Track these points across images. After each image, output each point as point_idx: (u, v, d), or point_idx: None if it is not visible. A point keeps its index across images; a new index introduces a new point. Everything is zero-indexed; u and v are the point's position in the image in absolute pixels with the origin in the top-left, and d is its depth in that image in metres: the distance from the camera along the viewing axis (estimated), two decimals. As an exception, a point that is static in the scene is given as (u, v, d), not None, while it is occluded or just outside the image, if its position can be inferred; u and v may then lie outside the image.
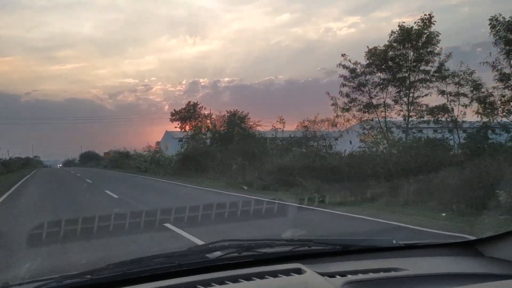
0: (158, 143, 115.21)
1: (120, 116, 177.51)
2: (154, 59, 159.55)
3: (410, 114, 18.35)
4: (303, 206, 11.29)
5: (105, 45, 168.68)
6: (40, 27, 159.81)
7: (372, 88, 18.39)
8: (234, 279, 1.85)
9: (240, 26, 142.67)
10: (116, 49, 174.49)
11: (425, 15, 18.18)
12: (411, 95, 18.32)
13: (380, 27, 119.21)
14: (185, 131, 57.96)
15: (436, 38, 17.91)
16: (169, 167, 27.57)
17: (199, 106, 58.25)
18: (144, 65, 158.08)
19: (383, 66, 17.36)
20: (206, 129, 42.31)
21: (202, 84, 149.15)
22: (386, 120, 18.91)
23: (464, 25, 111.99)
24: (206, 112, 57.85)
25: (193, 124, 57.76)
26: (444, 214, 9.27)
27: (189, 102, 58.74)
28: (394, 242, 2.38)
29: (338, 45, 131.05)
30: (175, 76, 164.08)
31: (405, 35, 17.07)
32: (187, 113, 57.93)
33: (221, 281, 1.83)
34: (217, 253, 2.11)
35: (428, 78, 18.36)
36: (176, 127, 59.16)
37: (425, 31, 17.86)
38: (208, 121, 57.84)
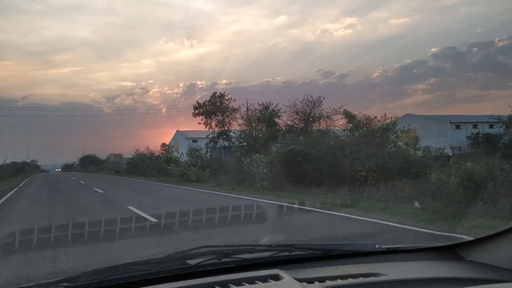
0: (163, 144, 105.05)
1: (129, 116, 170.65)
2: (151, 62, 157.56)
3: None
4: None
5: (102, 48, 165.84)
6: (37, 31, 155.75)
7: None
8: (211, 286, 1.82)
9: (237, 28, 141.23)
10: (113, 52, 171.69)
11: None
12: None
13: (377, 28, 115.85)
14: (210, 128, 47.67)
15: None
16: (258, 176, 15.30)
17: (226, 97, 47.89)
18: (142, 68, 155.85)
19: None
20: (256, 122, 31.54)
21: (200, 86, 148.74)
22: None
23: (461, 26, 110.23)
24: (235, 105, 47.85)
25: (219, 118, 47.55)
26: None
27: (214, 93, 48.28)
28: (377, 246, 2.30)
29: (335, 47, 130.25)
30: (172, 79, 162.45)
31: None
32: (213, 106, 47.59)
33: None
34: (197, 260, 2.01)
35: None
36: (199, 123, 48.74)
37: None
38: (238, 115, 47.84)
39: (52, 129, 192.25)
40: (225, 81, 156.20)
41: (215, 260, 1.99)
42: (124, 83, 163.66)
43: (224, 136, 47.54)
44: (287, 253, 2.13)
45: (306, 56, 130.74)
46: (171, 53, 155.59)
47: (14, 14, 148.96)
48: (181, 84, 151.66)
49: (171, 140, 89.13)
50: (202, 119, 48.64)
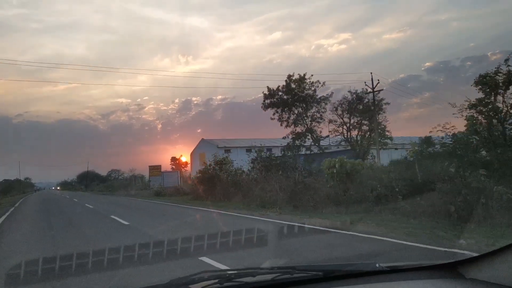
0: (173, 158, 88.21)
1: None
2: (146, 78, 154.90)
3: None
4: None
5: (97, 65, 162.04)
6: (33, 49, 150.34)
7: None
8: None
9: (232, 44, 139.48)
10: (109, 69, 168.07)
11: None
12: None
13: (371, 43, 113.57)
14: (288, 126, 31.69)
15: None
16: None
17: (307, 81, 31.98)
18: (137, 85, 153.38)
19: None
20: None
21: (195, 102, 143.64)
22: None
23: (454, 40, 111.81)
24: (324, 93, 32.28)
25: (299, 112, 31.57)
26: None
27: (290, 75, 32.29)
28: (378, 265, 2.20)
29: (329, 62, 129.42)
30: (168, 95, 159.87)
31: None
32: (290, 95, 31.67)
33: None
34: (199, 284, 1.93)
35: None
36: (272, 118, 32.72)
37: None
38: (325, 105, 31.96)
39: (47, 146, 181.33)
40: (220, 96, 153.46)
41: (218, 285, 1.91)
42: (120, 100, 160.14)
43: (308, 137, 31.44)
44: (289, 276, 2.05)
45: (301, 71, 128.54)
46: (167, 70, 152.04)
47: (10, 32, 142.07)
48: (176, 100, 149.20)
49: (194, 150, 72.70)
50: (274, 113, 32.59)
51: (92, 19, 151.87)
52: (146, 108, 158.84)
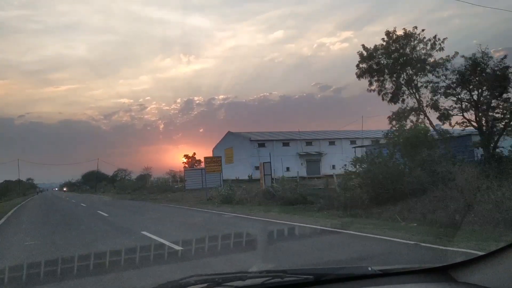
0: (187, 156, 78.78)
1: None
2: (148, 78, 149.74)
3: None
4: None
5: (99, 66, 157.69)
6: (34, 50, 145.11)
7: None
8: None
9: (233, 44, 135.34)
10: (110, 70, 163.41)
11: None
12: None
13: (373, 41, 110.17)
14: (392, 101, 22.59)
15: None
16: None
17: (419, 37, 22.71)
18: (139, 85, 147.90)
19: None
20: None
21: (197, 102, 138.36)
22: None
23: (456, 37, 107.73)
24: (443, 54, 22.94)
25: (405, 79, 22.21)
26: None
27: (390, 31, 22.95)
28: (370, 269, 2.14)
29: (331, 60, 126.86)
30: (170, 95, 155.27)
31: None
32: (393, 58, 22.47)
33: None
34: None
35: None
36: (369, 89, 23.54)
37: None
38: (446, 72, 22.75)
39: (50, 147, 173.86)
40: (222, 96, 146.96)
41: None
42: (122, 100, 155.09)
43: (421, 115, 22.23)
44: (279, 279, 1.99)
45: (303, 70, 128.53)
46: (168, 70, 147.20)
47: (11, 33, 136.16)
48: (178, 100, 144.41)
49: (218, 145, 63.27)
50: (370, 83, 23.27)
51: (93, 19, 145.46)
52: (148, 108, 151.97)
